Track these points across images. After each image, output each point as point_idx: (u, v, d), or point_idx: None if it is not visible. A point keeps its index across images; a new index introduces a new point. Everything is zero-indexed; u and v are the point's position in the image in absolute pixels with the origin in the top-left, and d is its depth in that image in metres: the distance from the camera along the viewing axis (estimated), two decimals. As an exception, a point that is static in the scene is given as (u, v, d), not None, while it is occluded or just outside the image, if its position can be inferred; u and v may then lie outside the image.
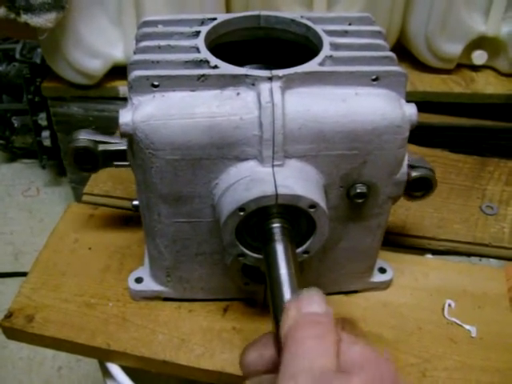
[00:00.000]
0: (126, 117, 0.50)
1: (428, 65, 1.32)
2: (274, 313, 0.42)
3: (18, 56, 1.56)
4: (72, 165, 0.63)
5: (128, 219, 0.76)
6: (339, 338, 0.38)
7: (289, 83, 0.49)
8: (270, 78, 0.49)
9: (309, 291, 0.41)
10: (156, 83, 0.50)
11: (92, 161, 0.62)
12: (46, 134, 1.65)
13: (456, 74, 1.33)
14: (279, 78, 0.49)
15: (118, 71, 1.25)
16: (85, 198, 0.80)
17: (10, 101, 1.75)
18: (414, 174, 0.58)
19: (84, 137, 0.61)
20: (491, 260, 0.77)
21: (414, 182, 0.58)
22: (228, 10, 1.25)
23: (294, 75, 0.50)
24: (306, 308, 0.39)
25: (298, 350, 0.36)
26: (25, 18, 1.05)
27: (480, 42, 1.29)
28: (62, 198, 1.84)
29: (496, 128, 1.29)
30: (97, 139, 0.61)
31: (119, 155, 0.62)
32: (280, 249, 0.48)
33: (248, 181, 0.49)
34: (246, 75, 0.49)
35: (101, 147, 0.61)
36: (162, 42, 0.54)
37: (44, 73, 1.38)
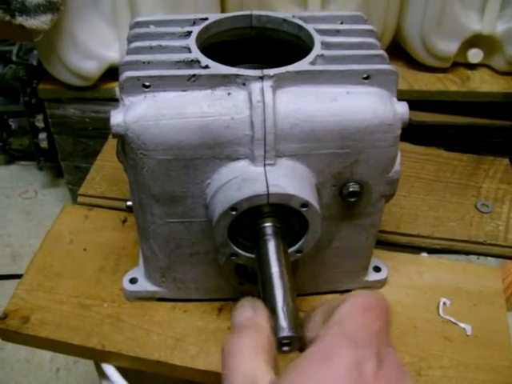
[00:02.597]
0: (117, 118, 0.50)
1: (424, 63, 1.32)
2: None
3: (14, 58, 1.56)
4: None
5: (123, 220, 0.76)
6: (270, 336, 0.38)
7: (280, 82, 0.49)
8: (261, 78, 0.49)
9: (241, 300, 0.42)
10: (147, 84, 0.50)
11: None
12: (42, 135, 1.65)
13: (452, 73, 1.33)
14: (270, 77, 0.49)
15: (114, 72, 1.24)
16: (80, 199, 0.80)
17: (6, 103, 1.75)
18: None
19: None
20: (489, 258, 0.77)
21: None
22: (223, 10, 1.25)
23: (285, 74, 0.50)
24: (234, 318, 0.40)
25: (225, 365, 0.37)
26: (20, 19, 1.05)
27: (475, 41, 1.29)
28: (60, 199, 1.84)
29: (491, 126, 1.29)
30: None
31: None
32: (272, 248, 0.48)
33: (240, 180, 0.49)
34: (237, 75, 0.49)
35: None
36: (154, 43, 0.54)
37: (40, 75, 1.38)
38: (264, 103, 0.48)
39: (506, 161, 0.89)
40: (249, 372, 0.36)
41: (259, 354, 0.37)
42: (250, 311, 0.40)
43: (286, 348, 0.40)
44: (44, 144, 1.67)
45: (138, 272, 0.65)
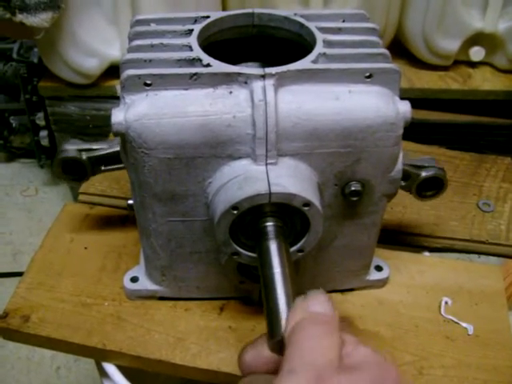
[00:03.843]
0: (118, 116, 0.49)
1: (425, 61, 1.32)
2: (268, 312, 0.42)
3: (15, 56, 1.56)
4: (62, 177, 0.64)
5: (124, 218, 0.76)
6: (342, 339, 0.38)
7: (282, 81, 0.49)
8: (263, 76, 0.49)
9: (315, 292, 0.41)
10: (148, 82, 0.49)
11: (80, 170, 0.63)
12: (43, 133, 1.65)
13: (453, 71, 1.33)
14: (272, 75, 0.49)
15: (115, 70, 1.23)
16: (81, 197, 0.80)
17: (7, 100, 1.75)
18: (425, 173, 0.61)
19: (68, 147, 0.62)
20: (490, 257, 0.77)
21: (426, 182, 0.62)
22: (224, 8, 1.24)
23: (287, 73, 0.49)
24: (312, 307, 0.39)
25: (303, 346, 0.36)
26: (20, 17, 1.05)
27: (477, 39, 1.28)
28: (61, 197, 1.83)
29: (493, 124, 1.29)
30: (81, 148, 0.62)
31: (105, 160, 0.63)
32: (274, 247, 0.48)
33: (241, 179, 0.49)
34: (239, 73, 0.49)
35: (85, 155, 0.62)
36: (155, 41, 0.54)
37: (41, 72, 1.38)
38: (266, 102, 0.48)
39: (507, 160, 0.89)
40: (323, 358, 0.35)
41: (336, 347, 0.37)
42: (329, 307, 0.39)
43: None
44: (45, 142, 1.66)
45: (139, 271, 0.65)
